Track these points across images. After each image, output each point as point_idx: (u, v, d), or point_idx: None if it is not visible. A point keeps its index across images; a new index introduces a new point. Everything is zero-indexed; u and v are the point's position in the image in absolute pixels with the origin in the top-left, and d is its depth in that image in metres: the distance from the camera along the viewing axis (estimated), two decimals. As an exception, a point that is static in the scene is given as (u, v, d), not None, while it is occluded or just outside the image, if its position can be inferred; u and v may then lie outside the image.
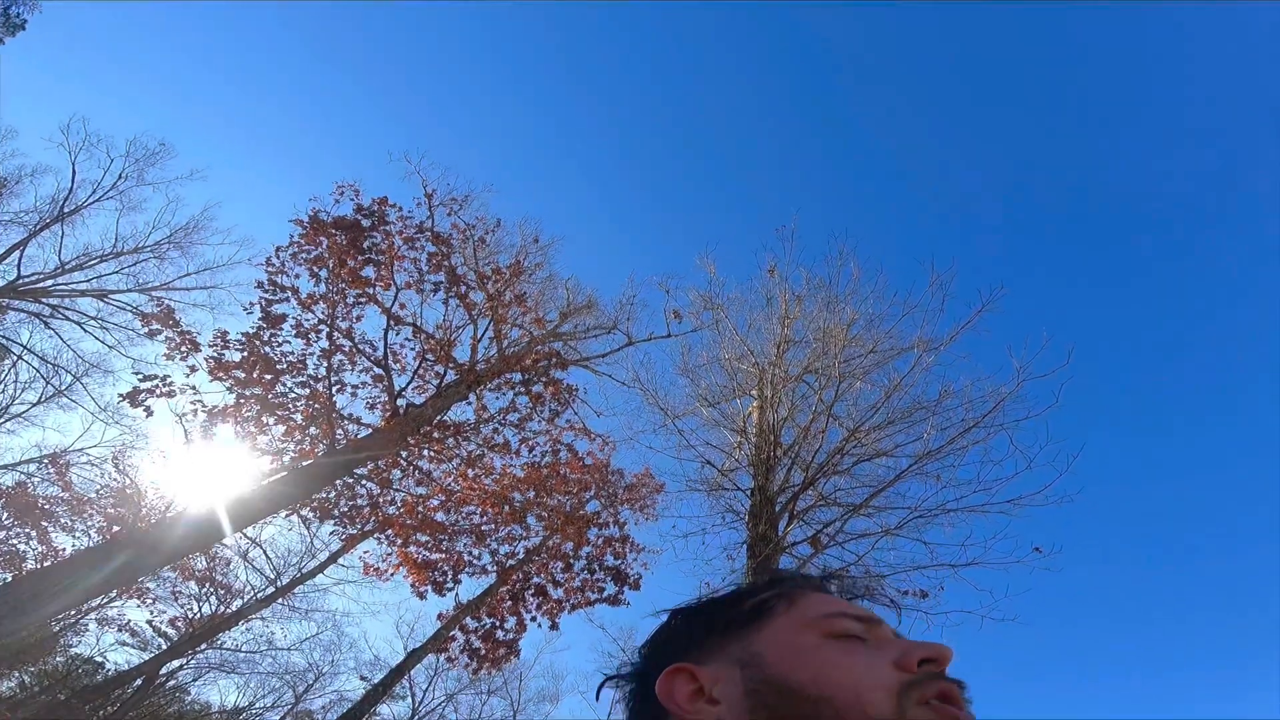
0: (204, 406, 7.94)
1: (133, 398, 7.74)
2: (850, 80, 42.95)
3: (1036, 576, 5.55)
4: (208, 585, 14.03)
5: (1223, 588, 30.65)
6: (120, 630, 15.83)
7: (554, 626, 9.66)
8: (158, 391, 7.79)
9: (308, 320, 8.11)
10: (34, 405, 16.01)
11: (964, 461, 5.81)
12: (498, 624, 9.73)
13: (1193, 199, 31.26)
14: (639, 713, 0.62)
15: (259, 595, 14.17)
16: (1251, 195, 26.93)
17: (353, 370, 8.46)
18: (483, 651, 9.68)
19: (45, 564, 12.28)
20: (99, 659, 17.36)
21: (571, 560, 9.62)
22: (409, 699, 17.03)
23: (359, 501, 9.18)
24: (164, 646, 14.47)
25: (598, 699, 0.67)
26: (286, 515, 9.69)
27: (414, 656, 11.32)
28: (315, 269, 8.13)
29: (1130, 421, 32.58)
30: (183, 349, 8.00)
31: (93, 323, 14.95)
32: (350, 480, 8.73)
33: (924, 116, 40.58)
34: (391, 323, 8.09)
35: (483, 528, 9.32)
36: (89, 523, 12.81)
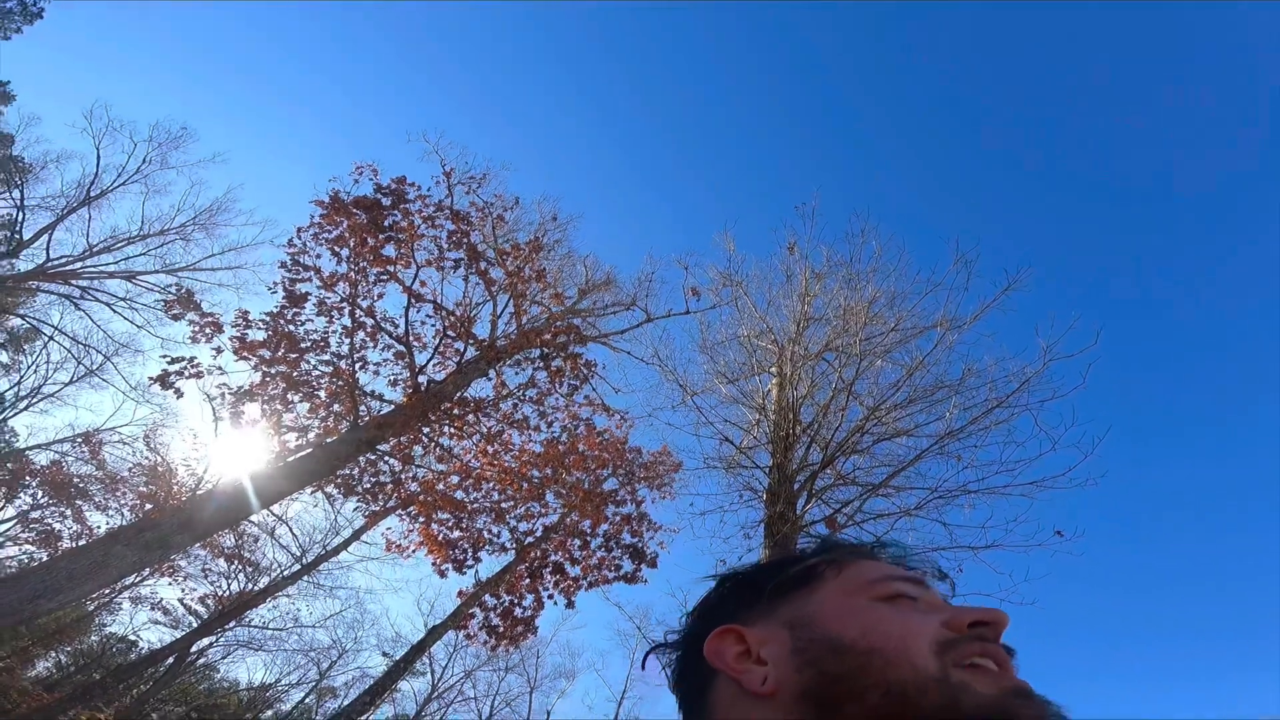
0: (229, 389, 8.05)
1: (163, 380, 7.86)
2: (875, 59, 42.17)
3: (1057, 559, 5.45)
4: (236, 562, 14.37)
5: (1240, 572, 30.11)
6: (153, 609, 16.33)
7: (570, 604, 9.70)
8: (186, 373, 7.90)
9: (330, 299, 8.20)
10: (66, 385, 16.50)
11: (986, 442, 5.70)
12: (516, 601, 9.82)
13: (1230, 182, 30.35)
14: (685, 676, 0.62)
15: (285, 572, 14.51)
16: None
17: (374, 348, 8.54)
18: (501, 629, 9.78)
19: (80, 542, 12.64)
20: (132, 637, 17.94)
21: (589, 538, 9.67)
22: (429, 675, 17.41)
23: (381, 478, 9.30)
24: (194, 624, 14.87)
25: (643, 668, 0.67)
26: (311, 492, 9.86)
27: (434, 633, 11.52)
28: (336, 248, 8.20)
29: (1158, 405, 31.97)
30: (206, 331, 8.11)
31: (122, 303, 15.29)
32: (373, 457, 8.84)
33: (951, 95, 39.76)
34: (412, 300, 8.15)
35: (502, 505, 9.40)
36: (122, 500, 13.15)
